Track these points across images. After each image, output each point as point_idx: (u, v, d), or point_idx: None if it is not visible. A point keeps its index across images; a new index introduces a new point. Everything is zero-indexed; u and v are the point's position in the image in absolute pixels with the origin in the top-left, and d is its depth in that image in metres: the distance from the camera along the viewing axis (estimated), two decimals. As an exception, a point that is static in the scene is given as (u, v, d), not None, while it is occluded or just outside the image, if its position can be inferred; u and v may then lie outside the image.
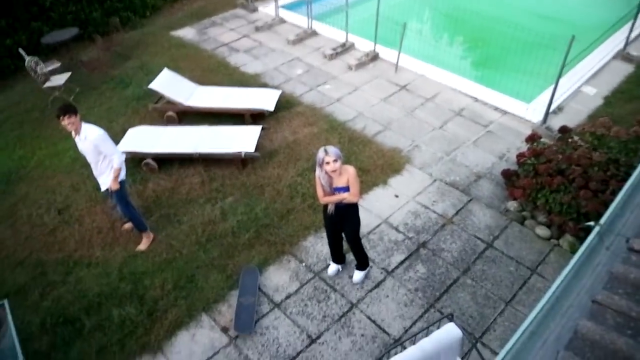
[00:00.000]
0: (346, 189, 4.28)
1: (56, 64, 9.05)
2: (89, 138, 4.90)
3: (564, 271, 2.41)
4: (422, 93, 8.06)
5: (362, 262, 4.99)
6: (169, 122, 7.43)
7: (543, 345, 1.94)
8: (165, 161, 6.62)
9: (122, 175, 5.19)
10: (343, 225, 4.69)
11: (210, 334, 4.66)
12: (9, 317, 2.99)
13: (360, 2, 10.41)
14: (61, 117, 4.75)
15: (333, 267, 5.12)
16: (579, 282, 2.31)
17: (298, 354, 4.44)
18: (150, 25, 11.07)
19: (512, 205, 5.82)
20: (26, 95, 8.80)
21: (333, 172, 4.15)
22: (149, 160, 6.51)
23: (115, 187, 5.05)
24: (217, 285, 5.03)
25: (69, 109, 4.79)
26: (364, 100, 7.90)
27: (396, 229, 5.66)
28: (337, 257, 5.07)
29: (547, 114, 7.01)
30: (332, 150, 4.13)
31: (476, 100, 7.83)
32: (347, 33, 9.28)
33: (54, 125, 7.04)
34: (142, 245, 5.55)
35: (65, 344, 4.64)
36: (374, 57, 8.97)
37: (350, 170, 4.27)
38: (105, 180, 5.16)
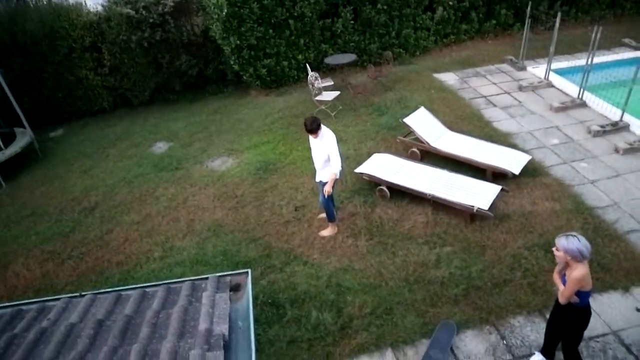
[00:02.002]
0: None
1: (329, 82, 10.30)
2: (325, 140, 5.76)
3: None
4: None
5: None
6: (411, 157, 7.73)
7: None
8: (398, 192, 6.89)
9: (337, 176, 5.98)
10: (561, 319, 4.22)
11: (390, 372, 4.67)
12: (249, 284, 3.50)
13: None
14: (309, 131, 5.71)
15: (537, 358, 4.60)
16: None
17: None
18: (417, 64, 11.72)
19: None
20: (299, 103, 10.27)
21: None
22: (383, 188, 6.89)
23: (330, 190, 5.82)
24: (411, 327, 5.01)
25: (316, 129, 5.68)
26: (624, 190, 6.90)
27: (627, 348, 4.78)
28: (546, 349, 4.55)
29: None
30: (563, 241, 3.77)
31: None
32: (623, 111, 8.26)
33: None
34: (326, 232, 6.41)
35: (267, 324, 5.23)
36: (652, 145, 7.79)
37: (575, 272, 3.78)
38: (321, 174, 6.04)
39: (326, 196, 5.90)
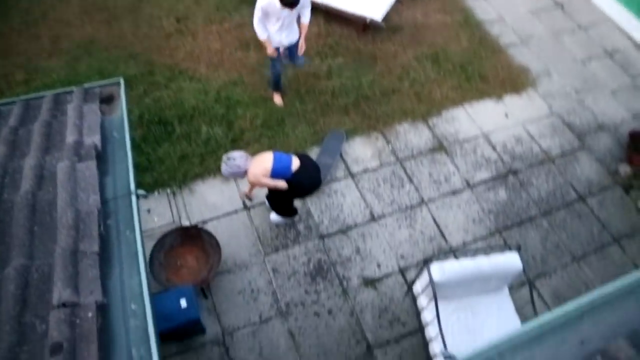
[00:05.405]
0: None
1: None
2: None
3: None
4: (577, 18, 7.06)
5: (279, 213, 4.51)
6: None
7: (637, 305, 1.78)
8: (287, 2, 6.41)
9: None
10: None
11: (282, 179, 4.85)
12: (122, 93, 3.18)
13: None
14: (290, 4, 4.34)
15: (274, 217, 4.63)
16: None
17: (356, 225, 4.60)
18: None
19: (625, 169, 5.31)
20: None
21: None
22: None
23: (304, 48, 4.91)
24: (302, 136, 5.11)
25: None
26: (510, 6, 7.06)
27: (493, 147, 5.38)
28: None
29: None
30: (224, 172, 3.86)
31: (637, 46, 6.78)
32: None
33: None
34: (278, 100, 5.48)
35: (156, 142, 5.02)
36: (539, -40, 7.80)
37: (249, 176, 3.85)
38: (291, 36, 4.84)
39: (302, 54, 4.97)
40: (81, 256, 2.04)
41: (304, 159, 4.00)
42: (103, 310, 1.91)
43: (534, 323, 1.71)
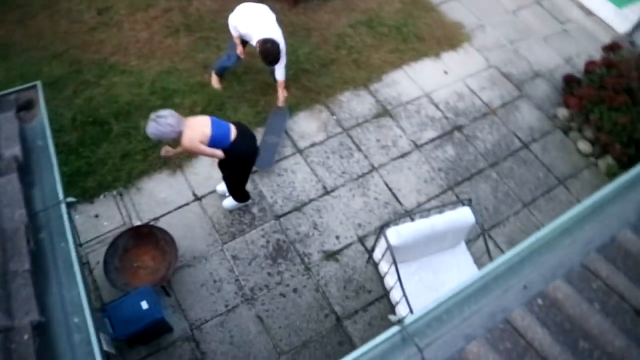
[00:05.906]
0: None
1: None
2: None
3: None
4: (505, -32, 7.16)
5: (234, 197, 4.39)
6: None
7: (572, 244, 1.85)
8: (214, -19, 6.17)
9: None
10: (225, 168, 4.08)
11: (230, 165, 4.75)
12: (41, 97, 2.98)
13: None
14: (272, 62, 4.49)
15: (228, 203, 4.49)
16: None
17: (310, 201, 4.57)
18: None
19: (562, 112, 5.49)
20: None
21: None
22: (197, -25, 6.08)
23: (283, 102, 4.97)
24: (245, 118, 4.97)
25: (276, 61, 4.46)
26: (439, -39, 7.06)
27: (436, 106, 5.44)
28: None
29: (638, 25, 6.23)
30: (149, 132, 3.40)
31: (562, -11, 6.96)
32: None
33: None
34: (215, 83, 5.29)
35: (93, 143, 4.79)
36: None
37: (184, 141, 3.46)
38: None
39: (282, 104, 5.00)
40: (12, 276, 1.92)
41: (240, 127, 3.75)
42: (42, 329, 1.82)
43: (477, 275, 1.75)
